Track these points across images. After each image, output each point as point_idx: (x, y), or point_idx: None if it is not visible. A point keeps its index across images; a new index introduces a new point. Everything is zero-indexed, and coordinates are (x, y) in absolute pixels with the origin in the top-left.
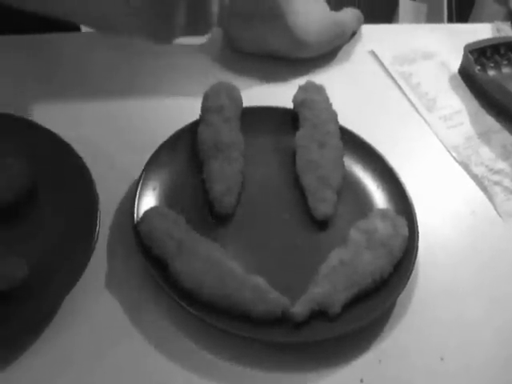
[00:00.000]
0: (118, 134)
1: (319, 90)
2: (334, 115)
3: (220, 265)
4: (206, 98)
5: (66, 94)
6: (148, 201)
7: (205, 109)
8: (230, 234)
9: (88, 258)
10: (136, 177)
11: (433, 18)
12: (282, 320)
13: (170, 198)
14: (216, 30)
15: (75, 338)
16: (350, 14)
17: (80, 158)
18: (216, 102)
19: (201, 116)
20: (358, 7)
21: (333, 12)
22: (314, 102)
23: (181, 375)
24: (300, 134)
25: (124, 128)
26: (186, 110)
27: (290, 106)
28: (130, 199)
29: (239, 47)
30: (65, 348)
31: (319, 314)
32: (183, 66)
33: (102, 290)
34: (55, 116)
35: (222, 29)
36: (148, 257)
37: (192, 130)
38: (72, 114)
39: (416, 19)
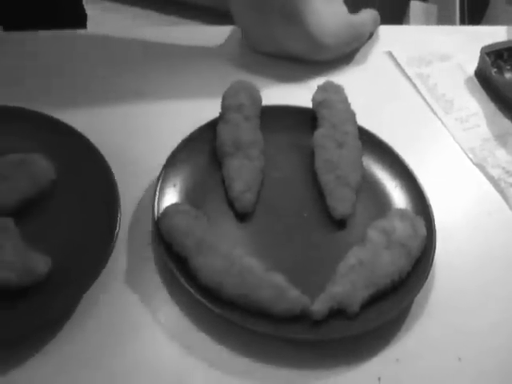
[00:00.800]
0: (136, 133)
1: (338, 89)
2: (352, 115)
3: (240, 262)
4: (226, 97)
5: (85, 92)
6: (168, 197)
7: (224, 107)
8: (249, 231)
9: (108, 255)
10: (156, 175)
11: (444, 19)
12: (300, 317)
13: (190, 195)
14: (235, 30)
15: (93, 335)
16: (367, 15)
17: (101, 154)
18: (236, 100)
19: (220, 114)
20: (368, 7)
21: (350, 14)
22: (332, 101)
23: (199, 371)
24: (318, 133)
25: (142, 127)
26: (204, 109)
27: (308, 106)
28: (151, 196)
29: (257, 48)
30: (83, 345)
31: (337, 313)
32: (202, 65)
33: (122, 286)
34: (75, 114)
35: (241, 29)
36: (168, 253)
37: (211, 127)
38: (92, 112)
39: (427, 21)
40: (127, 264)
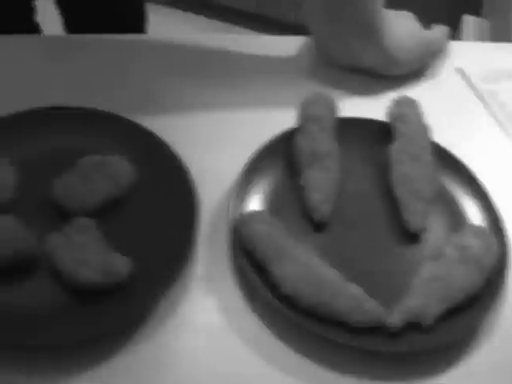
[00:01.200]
0: (209, 142)
1: (413, 104)
2: (427, 130)
3: (318, 272)
4: (304, 107)
5: (163, 100)
6: (247, 204)
7: (302, 117)
8: (324, 241)
9: (187, 258)
10: (230, 183)
11: (498, 34)
12: (375, 329)
13: (267, 203)
14: (308, 41)
15: (169, 337)
16: (439, 31)
17: (180, 160)
18: (314, 111)
19: (299, 124)
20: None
21: (423, 30)
22: (408, 116)
23: (274, 378)
24: (394, 147)
25: (215, 136)
26: (277, 119)
27: (379, 119)
28: (228, 202)
29: (331, 60)
30: (160, 347)
31: (411, 326)
32: (275, 76)
33: (199, 289)
34: (153, 120)
35: (315, 41)
36: (247, 260)
37: (288, 137)
38: (163, 120)
39: (480, 36)
40: (205, 268)
